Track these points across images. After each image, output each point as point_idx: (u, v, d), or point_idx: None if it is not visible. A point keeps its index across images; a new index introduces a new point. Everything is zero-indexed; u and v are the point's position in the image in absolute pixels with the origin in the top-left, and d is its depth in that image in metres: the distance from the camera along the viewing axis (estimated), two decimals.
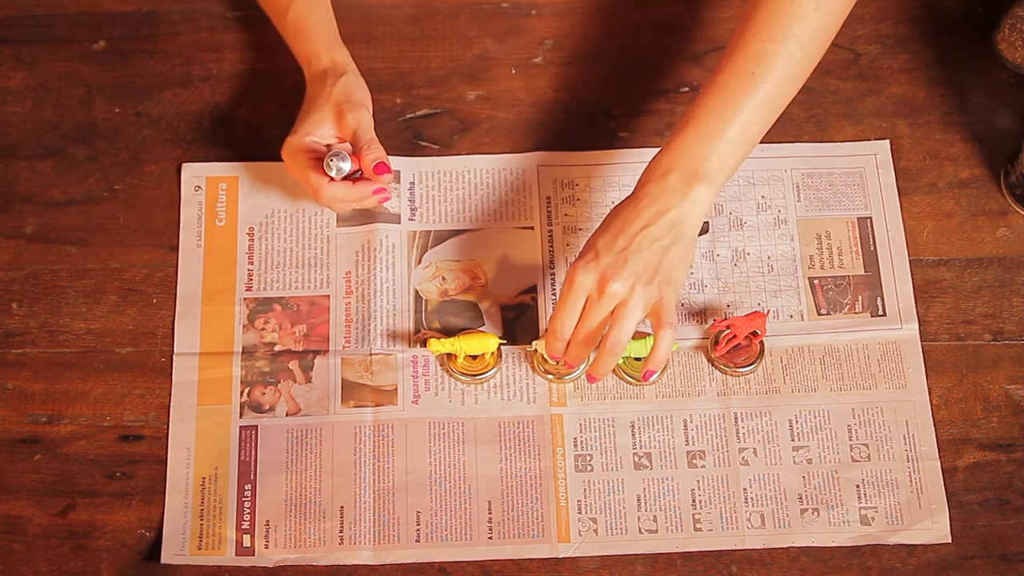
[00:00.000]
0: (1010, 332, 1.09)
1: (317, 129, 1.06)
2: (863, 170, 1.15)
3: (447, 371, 1.08)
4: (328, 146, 1.06)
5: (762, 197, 1.14)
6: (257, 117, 1.17)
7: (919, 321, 1.09)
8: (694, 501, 1.04)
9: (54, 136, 1.17)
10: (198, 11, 1.23)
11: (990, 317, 1.10)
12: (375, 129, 1.07)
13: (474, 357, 1.07)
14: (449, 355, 1.07)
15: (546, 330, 1.07)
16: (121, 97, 1.19)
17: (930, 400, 1.07)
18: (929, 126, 1.17)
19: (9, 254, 1.13)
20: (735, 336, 1.07)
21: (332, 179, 1.05)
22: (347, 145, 1.07)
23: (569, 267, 0.97)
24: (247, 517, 1.04)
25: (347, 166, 1.04)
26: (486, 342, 1.06)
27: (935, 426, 1.06)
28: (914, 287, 1.11)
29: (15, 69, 1.20)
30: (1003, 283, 1.11)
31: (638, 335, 1.07)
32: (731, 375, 1.07)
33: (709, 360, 1.08)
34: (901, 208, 1.14)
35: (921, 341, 1.09)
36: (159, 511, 1.04)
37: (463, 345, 1.06)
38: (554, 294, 1.11)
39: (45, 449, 1.06)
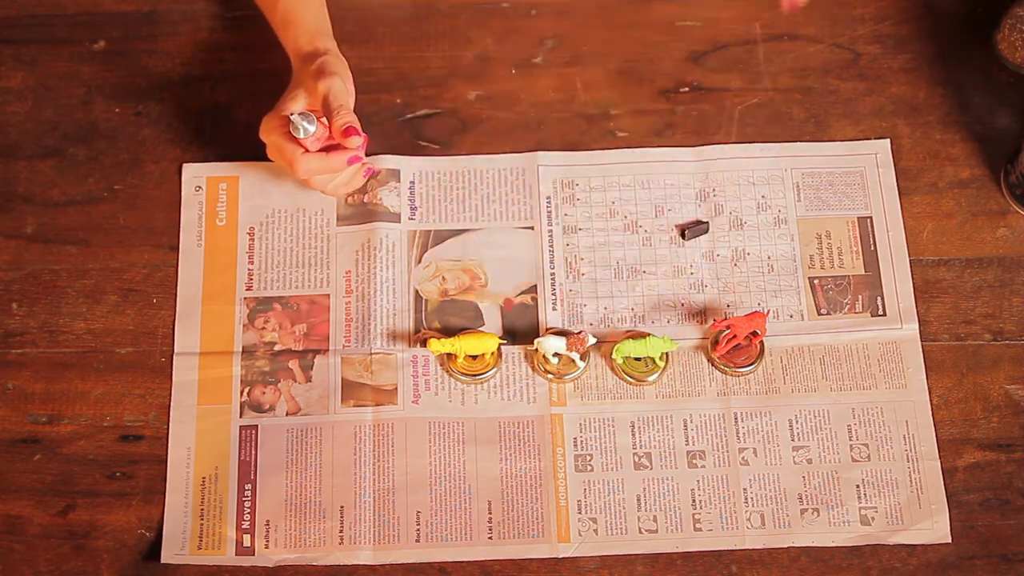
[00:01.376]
0: (1010, 332, 1.09)
1: (291, 104, 1.06)
2: (863, 170, 1.15)
3: (447, 371, 1.08)
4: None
5: (762, 197, 1.14)
6: (257, 117, 1.16)
7: (919, 321, 1.09)
8: (694, 501, 1.04)
9: (54, 136, 1.17)
10: (198, 11, 1.23)
11: (990, 317, 1.10)
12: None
13: (474, 357, 1.07)
14: (449, 355, 1.07)
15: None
16: (121, 97, 1.19)
17: (930, 400, 1.07)
18: (929, 126, 1.17)
19: (9, 254, 1.13)
20: (735, 336, 1.07)
21: (307, 150, 1.04)
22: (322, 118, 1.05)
23: None
24: (247, 517, 1.04)
25: (312, 126, 1.02)
26: (486, 342, 1.06)
27: (935, 426, 1.06)
28: (914, 287, 1.11)
29: (15, 69, 1.20)
30: (1003, 283, 1.11)
31: (638, 335, 1.07)
32: (731, 375, 1.07)
33: (709, 360, 1.08)
34: (901, 208, 1.14)
35: (921, 341, 1.09)
36: (159, 511, 1.04)
37: (463, 345, 1.06)
38: (554, 294, 1.11)
39: (45, 449, 1.06)
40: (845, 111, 1.18)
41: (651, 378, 1.07)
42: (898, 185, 1.14)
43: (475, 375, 1.07)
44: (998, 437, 1.06)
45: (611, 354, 1.06)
